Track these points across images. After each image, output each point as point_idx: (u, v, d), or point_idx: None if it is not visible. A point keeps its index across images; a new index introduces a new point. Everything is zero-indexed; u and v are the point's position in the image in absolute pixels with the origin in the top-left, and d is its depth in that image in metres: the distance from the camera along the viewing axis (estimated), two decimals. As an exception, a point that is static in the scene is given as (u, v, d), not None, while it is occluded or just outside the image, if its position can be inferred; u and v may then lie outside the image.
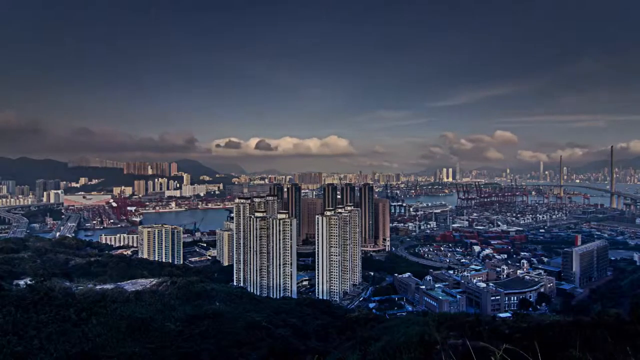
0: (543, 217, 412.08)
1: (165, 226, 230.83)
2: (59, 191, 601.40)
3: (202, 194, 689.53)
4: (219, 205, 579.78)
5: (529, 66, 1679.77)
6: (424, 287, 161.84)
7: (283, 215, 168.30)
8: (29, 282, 77.12)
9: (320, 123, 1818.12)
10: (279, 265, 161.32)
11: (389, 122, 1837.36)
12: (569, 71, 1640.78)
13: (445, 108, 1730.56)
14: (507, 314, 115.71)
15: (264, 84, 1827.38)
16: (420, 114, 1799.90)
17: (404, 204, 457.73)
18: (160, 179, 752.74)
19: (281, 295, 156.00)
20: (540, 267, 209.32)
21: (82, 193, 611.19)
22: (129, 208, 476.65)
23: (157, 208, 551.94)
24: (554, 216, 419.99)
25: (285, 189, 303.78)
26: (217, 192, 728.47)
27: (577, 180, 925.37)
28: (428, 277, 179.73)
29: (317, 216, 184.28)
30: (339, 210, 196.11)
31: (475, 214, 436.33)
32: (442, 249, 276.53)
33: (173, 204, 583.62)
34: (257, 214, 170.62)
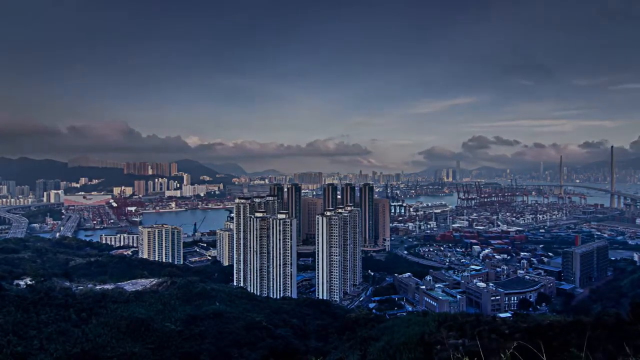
0: (543, 217, 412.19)
1: (165, 226, 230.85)
2: (59, 191, 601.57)
3: (202, 194, 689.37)
4: (219, 205, 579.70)
5: (496, 77, 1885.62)
6: (424, 287, 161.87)
7: (283, 215, 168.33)
8: (29, 282, 77.14)
9: (316, 126, 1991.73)
10: (279, 265, 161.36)
11: (374, 127, 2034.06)
12: (534, 81, 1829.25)
13: (423, 114, 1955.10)
14: (507, 314, 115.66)
15: (265, 92, 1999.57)
16: (397, 120, 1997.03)
17: (404, 204, 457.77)
18: (160, 179, 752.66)
19: (281, 295, 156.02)
20: (540, 267, 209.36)
21: (82, 193, 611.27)
22: (129, 208, 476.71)
23: (157, 208, 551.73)
24: (554, 216, 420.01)
25: (285, 189, 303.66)
26: (217, 192, 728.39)
27: (577, 180, 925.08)
28: (428, 277, 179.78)
29: (317, 216, 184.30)
30: (339, 210, 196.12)
31: (475, 214, 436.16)
32: (442, 249, 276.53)
33: (173, 204, 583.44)
34: (257, 214, 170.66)
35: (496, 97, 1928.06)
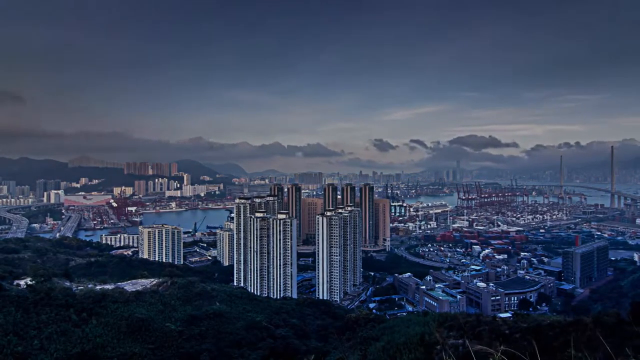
0: (543, 217, 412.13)
1: (166, 226, 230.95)
2: (60, 191, 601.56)
3: (202, 194, 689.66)
4: (219, 205, 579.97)
5: (455, 90, 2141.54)
6: (424, 287, 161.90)
7: (283, 216, 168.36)
8: (29, 282, 77.10)
9: (308, 132, 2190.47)
10: (279, 265, 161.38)
11: (358, 131, 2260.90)
12: (488, 94, 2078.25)
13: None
14: (508, 314, 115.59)
15: (266, 103, 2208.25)
16: (375, 126, 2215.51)
17: (404, 204, 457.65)
18: (160, 179, 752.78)
19: (281, 295, 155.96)
20: (540, 267, 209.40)
21: (83, 193, 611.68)
22: (129, 208, 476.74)
23: (158, 208, 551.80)
24: (554, 216, 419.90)
25: (286, 189, 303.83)
26: (217, 193, 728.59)
27: (577, 180, 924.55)
28: (428, 277, 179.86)
29: (317, 216, 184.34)
30: (339, 210, 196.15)
31: (475, 214, 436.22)
32: (442, 249, 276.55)
33: (173, 204, 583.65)
34: (257, 214, 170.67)
35: (457, 106, 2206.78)
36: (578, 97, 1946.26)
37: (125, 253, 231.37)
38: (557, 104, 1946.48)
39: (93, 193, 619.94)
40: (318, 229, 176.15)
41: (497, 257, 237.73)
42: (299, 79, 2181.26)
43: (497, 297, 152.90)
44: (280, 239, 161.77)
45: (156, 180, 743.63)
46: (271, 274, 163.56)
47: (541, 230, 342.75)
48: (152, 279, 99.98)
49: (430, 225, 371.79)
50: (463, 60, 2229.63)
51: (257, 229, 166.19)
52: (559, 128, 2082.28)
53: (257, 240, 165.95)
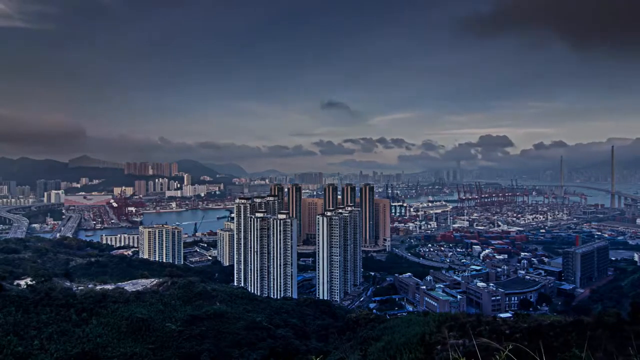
0: (543, 217, 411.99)
1: (166, 226, 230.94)
2: (60, 191, 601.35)
3: (202, 195, 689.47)
4: (219, 205, 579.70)
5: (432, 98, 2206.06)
6: (424, 287, 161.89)
7: (283, 216, 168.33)
8: (29, 283, 77.24)
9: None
10: (280, 265, 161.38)
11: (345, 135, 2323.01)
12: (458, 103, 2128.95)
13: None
14: (508, 314, 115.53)
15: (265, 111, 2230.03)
16: (359, 129, 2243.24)
17: (405, 204, 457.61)
18: (160, 179, 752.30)
19: (281, 295, 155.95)
20: (540, 267, 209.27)
21: (83, 193, 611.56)
22: (129, 208, 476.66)
23: (158, 208, 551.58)
24: (554, 216, 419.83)
25: (286, 189, 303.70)
26: (217, 193, 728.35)
27: (578, 180, 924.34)
28: (428, 277, 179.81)
29: (317, 216, 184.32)
30: (340, 210, 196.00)
31: (475, 214, 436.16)
32: (442, 249, 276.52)
33: (174, 204, 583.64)
34: (257, 214, 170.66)
35: (433, 112, 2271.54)
36: (538, 104, 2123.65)
37: (126, 253, 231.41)
38: (524, 110, 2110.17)
39: (93, 193, 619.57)
40: (318, 229, 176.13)
41: (497, 257, 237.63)
42: (298, 88, 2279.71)
43: (498, 297, 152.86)
44: (280, 239, 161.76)
45: (156, 180, 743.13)
46: (271, 274, 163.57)
47: (541, 231, 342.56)
48: (153, 279, 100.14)
49: (430, 225, 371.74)
50: (439, 73, 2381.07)
51: (257, 229, 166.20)
52: (532, 131, 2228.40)
53: (257, 240, 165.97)
